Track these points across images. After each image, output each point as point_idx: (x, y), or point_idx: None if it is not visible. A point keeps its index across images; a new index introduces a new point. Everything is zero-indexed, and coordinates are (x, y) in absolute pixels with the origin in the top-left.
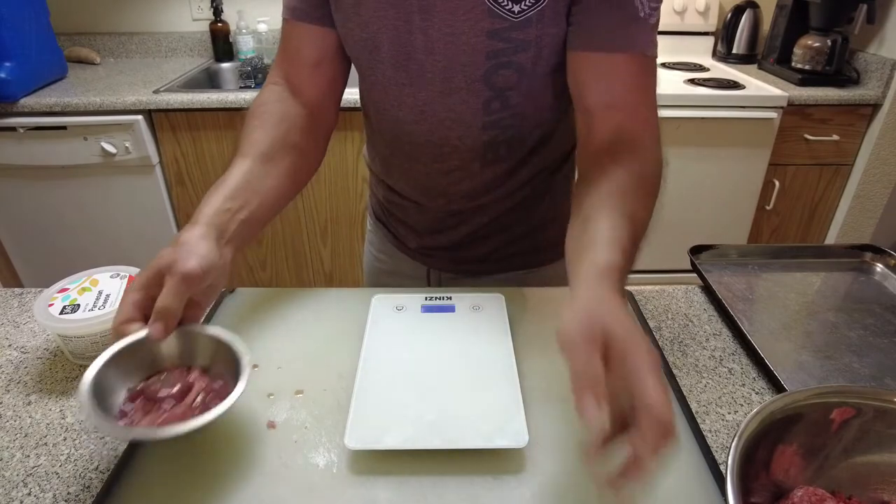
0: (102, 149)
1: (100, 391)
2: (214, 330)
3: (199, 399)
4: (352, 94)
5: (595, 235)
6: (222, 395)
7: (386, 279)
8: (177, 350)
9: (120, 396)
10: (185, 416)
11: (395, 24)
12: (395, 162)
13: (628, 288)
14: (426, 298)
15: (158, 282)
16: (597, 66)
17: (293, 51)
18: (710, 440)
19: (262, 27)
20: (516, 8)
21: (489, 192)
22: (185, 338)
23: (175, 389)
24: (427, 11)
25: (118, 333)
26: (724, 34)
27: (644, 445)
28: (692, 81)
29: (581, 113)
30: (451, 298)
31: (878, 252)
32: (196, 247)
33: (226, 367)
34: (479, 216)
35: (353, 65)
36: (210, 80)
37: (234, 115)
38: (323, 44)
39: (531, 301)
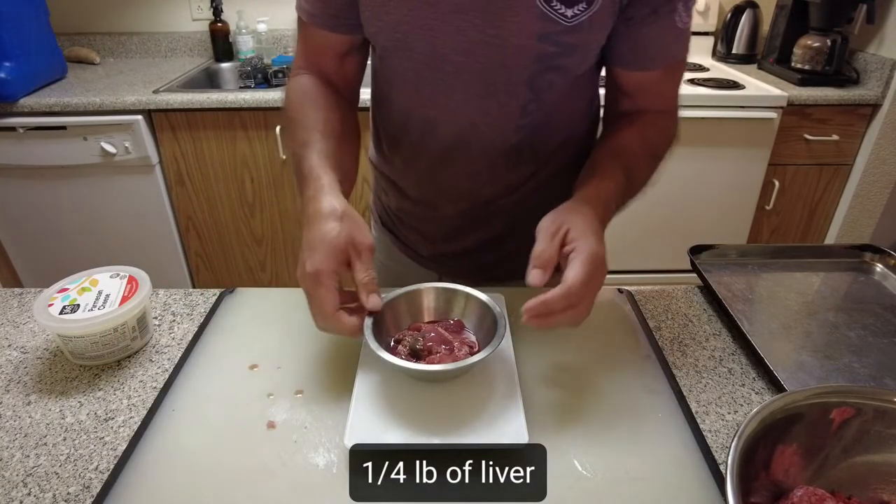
0: (102, 149)
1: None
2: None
3: (464, 350)
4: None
5: (594, 179)
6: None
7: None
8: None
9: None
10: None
11: (428, 23)
12: (416, 164)
13: (628, 288)
14: None
15: (345, 259)
16: (635, 80)
17: (316, 48)
18: (709, 440)
19: (262, 27)
20: (569, 12)
21: (510, 194)
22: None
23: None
24: (464, 11)
25: (342, 322)
26: (724, 34)
27: (546, 307)
28: (692, 81)
29: (611, 90)
30: None
31: (877, 252)
32: (356, 216)
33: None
34: (496, 220)
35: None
36: (210, 80)
37: (233, 115)
38: (348, 41)
39: None
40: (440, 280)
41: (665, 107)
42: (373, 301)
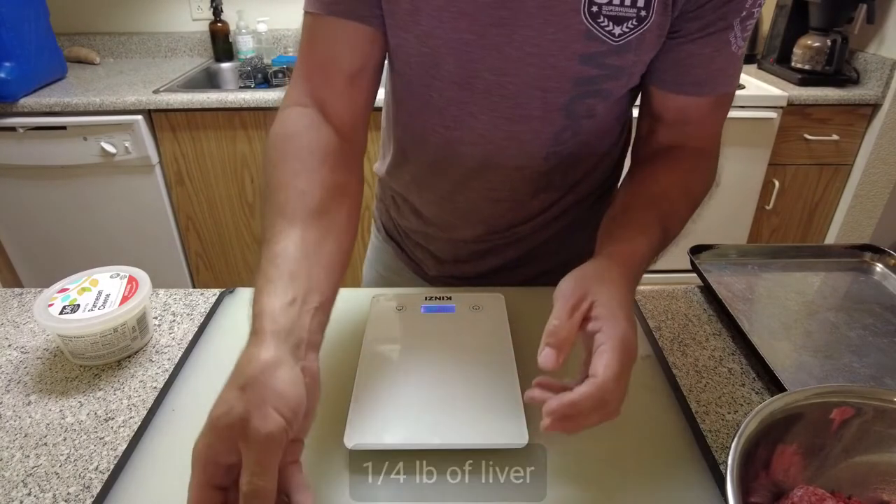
0: (102, 149)
1: None
2: None
3: None
4: None
5: (627, 231)
6: None
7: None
8: None
9: None
10: None
11: (463, 37)
12: (434, 186)
13: None
14: (426, 298)
15: (230, 447)
16: (675, 107)
17: (325, 58)
18: (709, 440)
19: (262, 27)
20: (617, 30)
21: (531, 220)
22: None
23: None
24: (506, 26)
25: None
26: None
27: (574, 409)
28: None
29: (648, 117)
30: (450, 298)
31: (877, 252)
32: (272, 385)
33: None
34: (513, 248)
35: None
36: (210, 80)
37: (233, 115)
38: (366, 49)
39: (531, 301)
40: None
41: (706, 144)
42: None
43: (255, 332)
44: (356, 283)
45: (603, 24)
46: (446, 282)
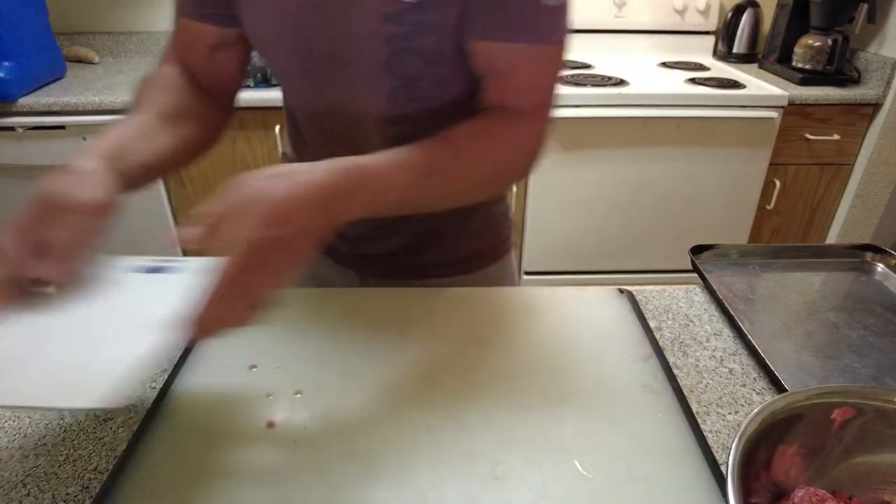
0: None
1: None
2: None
3: None
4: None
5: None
6: None
7: (310, 284)
8: None
9: None
10: None
11: (295, 16)
12: (309, 152)
13: (629, 288)
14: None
15: (47, 219)
16: (492, 55)
17: (184, 40)
18: (710, 440)
19: None
20: None
21: None
22: None
23: None
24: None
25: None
26: (725, 33)
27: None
28: (693, 81)
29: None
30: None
31: (878, 252)
32: (94, 175)
33: None
34: (414, 225)
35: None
36: None
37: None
38: (212, 37)
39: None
40: (363, 279)
41: (524, 104)
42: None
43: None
44: None
45: None
46: (359, 259)
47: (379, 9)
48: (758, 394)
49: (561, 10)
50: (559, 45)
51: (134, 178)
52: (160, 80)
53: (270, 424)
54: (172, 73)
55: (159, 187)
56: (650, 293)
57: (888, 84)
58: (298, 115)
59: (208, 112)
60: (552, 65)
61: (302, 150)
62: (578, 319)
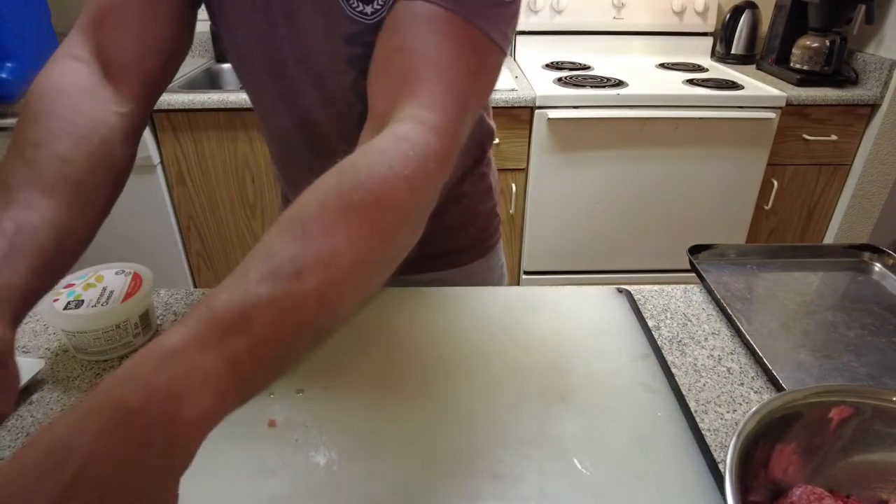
0: None
1: None
2: None
3: None
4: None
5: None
6: None
7: None
8: None
9: None
10: None
11: (262, 30)
12: (289, 170)
13: (627, 287)
14: None
15: None
16: (395, 12)
17: (115, 9)
18: (709, 439)
19: None
20: (368, 9)
21: None
22: None
23: None
24: (290, 17)
25: None
26: (723, 35)
27: None
28: (691, 82)
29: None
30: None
31: (876, 251)
32: None
33: None
34: None
35: None
36: (211, 81)
37: (234, 116)
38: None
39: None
40: None
41: (432, 92)
42: None
43: None
44: None
45: (354, 6)
46: None
47: (340, 31)
48: (756, 392)
49: (506, 13)
50: (487, 36)
51: (29, 306)
52: (64, 105)
53: (271, 423)
54: (79, 81)
55: (160, 187)
56: (649, 292)
57: (886, 85)
58: (273, 134)
59: (126, 148)
60: (473, 52)
61: (283, 168)
62: (577, 318)
